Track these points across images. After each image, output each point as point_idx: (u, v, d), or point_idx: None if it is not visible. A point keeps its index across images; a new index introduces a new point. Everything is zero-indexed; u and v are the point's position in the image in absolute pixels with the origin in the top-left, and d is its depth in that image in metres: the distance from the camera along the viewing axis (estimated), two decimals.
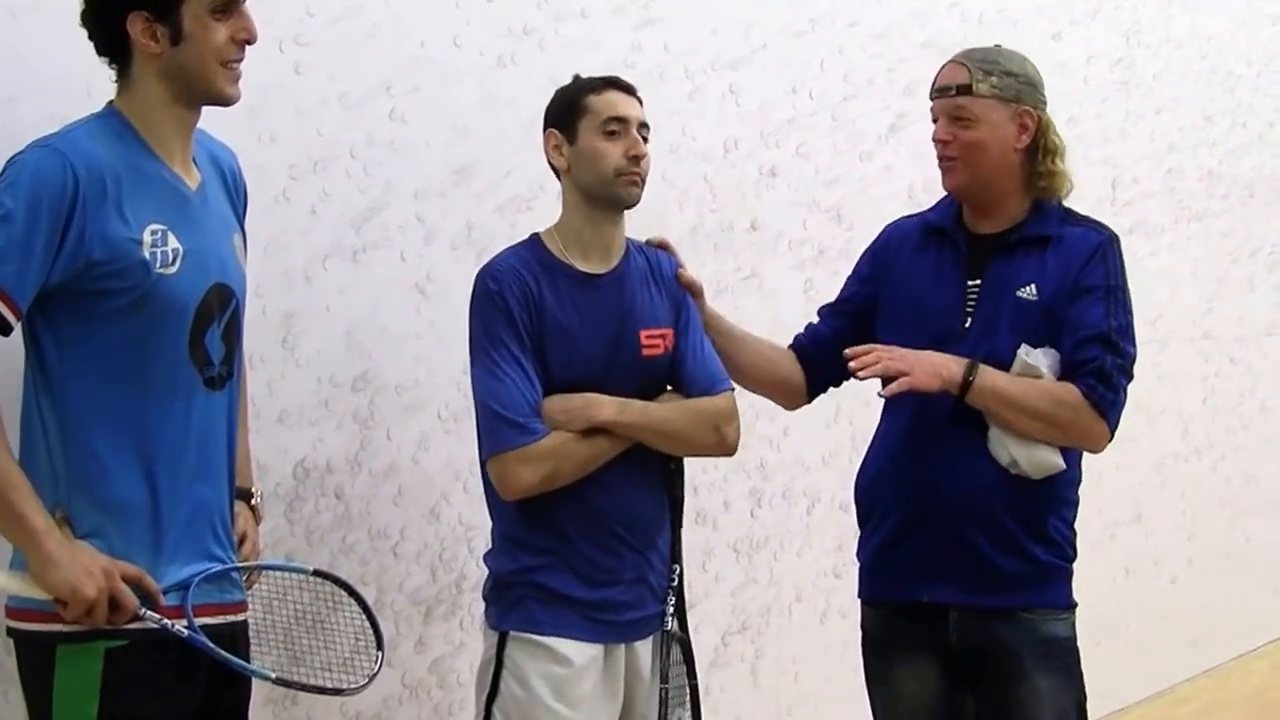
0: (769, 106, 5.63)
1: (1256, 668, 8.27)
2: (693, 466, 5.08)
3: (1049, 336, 4.10)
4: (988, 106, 4.18)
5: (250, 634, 3.57)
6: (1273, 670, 8.24)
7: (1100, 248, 4.16)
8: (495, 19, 4.70)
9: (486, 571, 4.10)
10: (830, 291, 5.80)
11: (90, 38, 3.37)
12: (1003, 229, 4.22)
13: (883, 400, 4.18)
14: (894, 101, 6.11)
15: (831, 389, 4.51)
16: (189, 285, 3.35)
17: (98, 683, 3.27)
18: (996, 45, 4.34)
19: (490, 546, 4.09)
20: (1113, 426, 4.09)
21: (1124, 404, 4.11)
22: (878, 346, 4.11)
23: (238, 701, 3.54)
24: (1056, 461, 4.10)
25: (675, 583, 4.11)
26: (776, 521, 5.73)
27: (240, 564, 3.53)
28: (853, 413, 5.96)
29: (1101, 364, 4.05)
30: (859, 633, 4.42)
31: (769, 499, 5.69)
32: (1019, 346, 4.09)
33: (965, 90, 4.19)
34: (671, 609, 4.09)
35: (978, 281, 4.18)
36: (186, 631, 3.32)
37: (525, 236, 4.11)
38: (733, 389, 4.13)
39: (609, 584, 3.99)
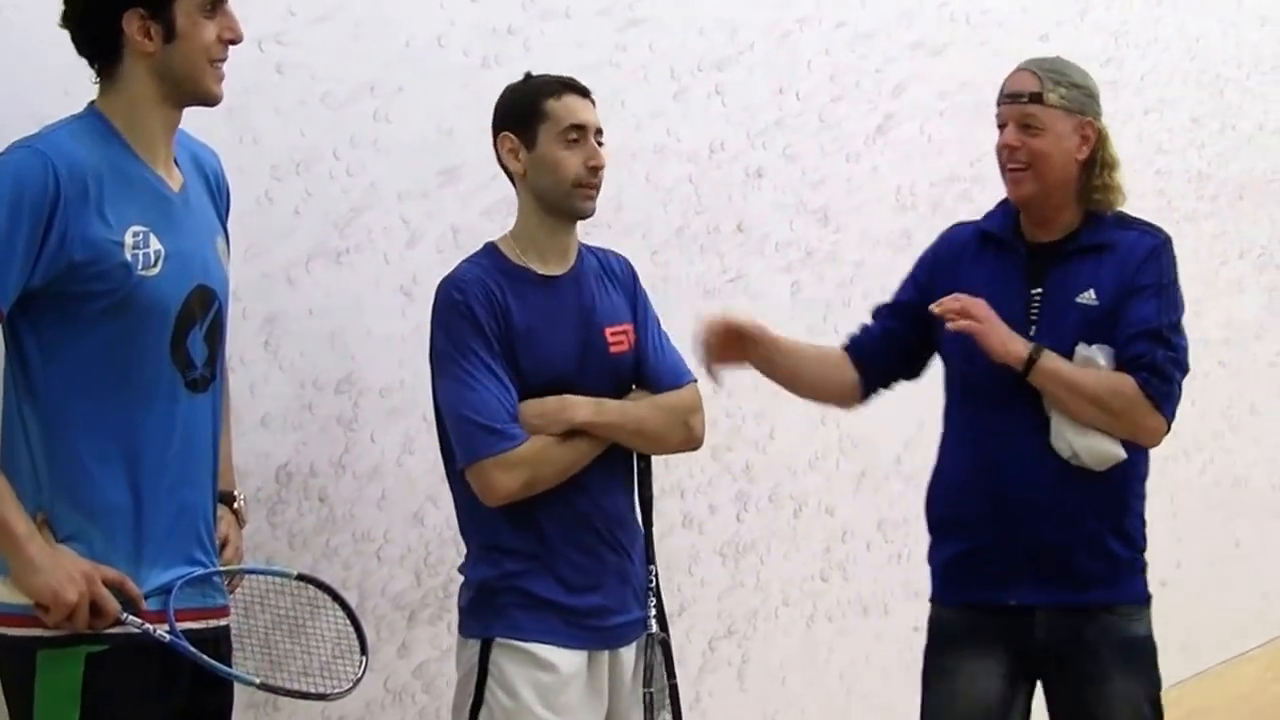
0: (755, 107, 5.61)
1: (1246, 671, 8.26)
2: (679, 470, 5.08)
3: (1110, 340, 4.18)
4: (1055, 116, 4.23)
5: (231, 638, 3.55)
6: (1262, 674, 8.24)
7: (1154, 250, 4.24)
8: (480, 19, 4.68)
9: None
10: (816, 294, 5.83)
11: (74, 37, 3.35)
12: (1058, 238, 4.28)
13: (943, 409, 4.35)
14: (881, 103, 6.09)
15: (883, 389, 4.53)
16: (171, 287, 3.33)
17: (79, 688, 3.26)
18: (1058, 56, 4.39)
19: (466, 558, 4.06)
20: (1168, 418, 4.18)
21: (1179, 398, 4.19)
22: (962, 297, 4.18)
23: (221, 707, 3.52)
24: (1116, 451, 4.16)
25: (653, 584, 4.10)
26: (763, 525, 5.71)
27: (223, 568, 3.51)
28: (839, 416, 5.95)
29: (1153, 358, 4.13)
30: (920, 632, 4.43)
31: (755, 502, 5.68)
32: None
33: (1037, 99, 4.24)
34: (654, 612, 4.08)
35: (1039, 289, 4.24)
36: (168, 636, 3.31)
37: None
38: (696, 380, 4.14)
39: (593, 588, 3.98)
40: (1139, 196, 7.20)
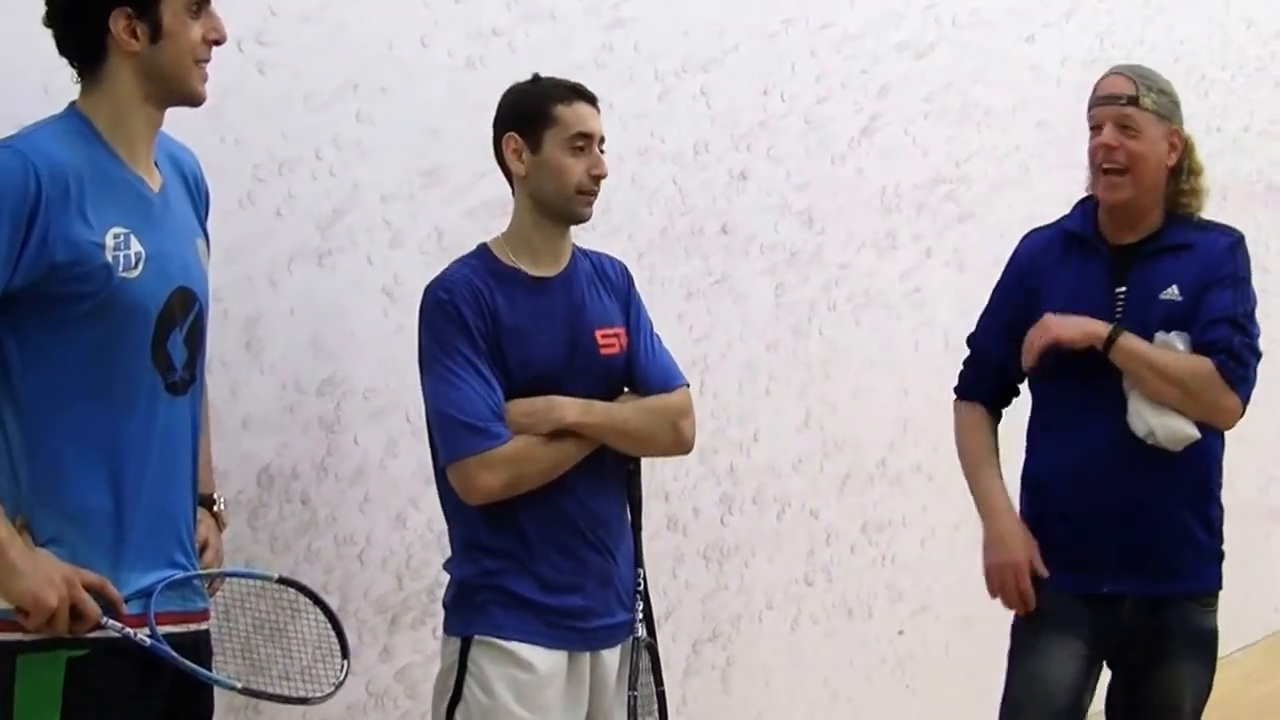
0: (740, 109, 5.60)
1: (1226, 676, 8.19)
2: (663, 473, 5.06)
3: (1191, 333, 4.34)
4: (1149, 120, 4.36)
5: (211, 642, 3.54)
6: (1243, 678, 8.23)
7: (1231, 246, 4.40)
8: (464, 19, 4.67)
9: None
10: (801, 295, 5.82)
11: (58, 37, 3.33)
12: (1140, 239, 4.40)
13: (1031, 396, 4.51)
14: (867, 104, 6.09)
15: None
16: (151, 289, 3.31)
17: (59, 692, 3.23)
18: (1141, 64, 4.53)
19: (451, 554, 4.05)
20: (1244, 400, 4.33)
21: (1254, 382, 4.35)
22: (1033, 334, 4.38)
23: (202, 711, 3.51)
24: (1191, 432, 4.28)
25: (641, 587, 4.09)
26: (747, 528, 5.70)
27: (203, 571, 3.50)
28: (823, 418, 5.96)
29: (1230, 342, 4.28)
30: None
31: (739, 505, 5.67)
32: None
33: (1133, 101, 4.36)
34: (640, 615, 4.07)
35: (1123, 288, 4.36)
36: (149, 640, 3.29)
37: None
38: (688, 385, 4.14)
39: (573, 589, 3.97)
40: None
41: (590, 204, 4.01)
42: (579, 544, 3.98)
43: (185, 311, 3.39)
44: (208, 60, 3.37)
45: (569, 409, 3.93)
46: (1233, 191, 8.39)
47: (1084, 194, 4.51)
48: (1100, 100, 4.39)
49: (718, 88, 5.49)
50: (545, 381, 3.95)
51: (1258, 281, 8.91)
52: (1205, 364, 4.24)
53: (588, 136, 3.97)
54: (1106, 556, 4.34)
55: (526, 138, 3.97)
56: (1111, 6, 7.44)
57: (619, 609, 4.05)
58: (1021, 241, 4.59)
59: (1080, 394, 4.34)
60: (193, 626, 3.44)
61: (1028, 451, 4.51)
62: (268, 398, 4.23)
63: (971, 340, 4.59)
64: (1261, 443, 8.77)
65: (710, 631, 5.56)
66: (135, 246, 3.28)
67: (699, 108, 5.44)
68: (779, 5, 5.74)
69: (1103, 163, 4.34)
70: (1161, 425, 4.27)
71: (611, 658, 4.04)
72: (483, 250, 4.03)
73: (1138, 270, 4.35)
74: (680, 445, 4.12)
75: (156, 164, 3.42)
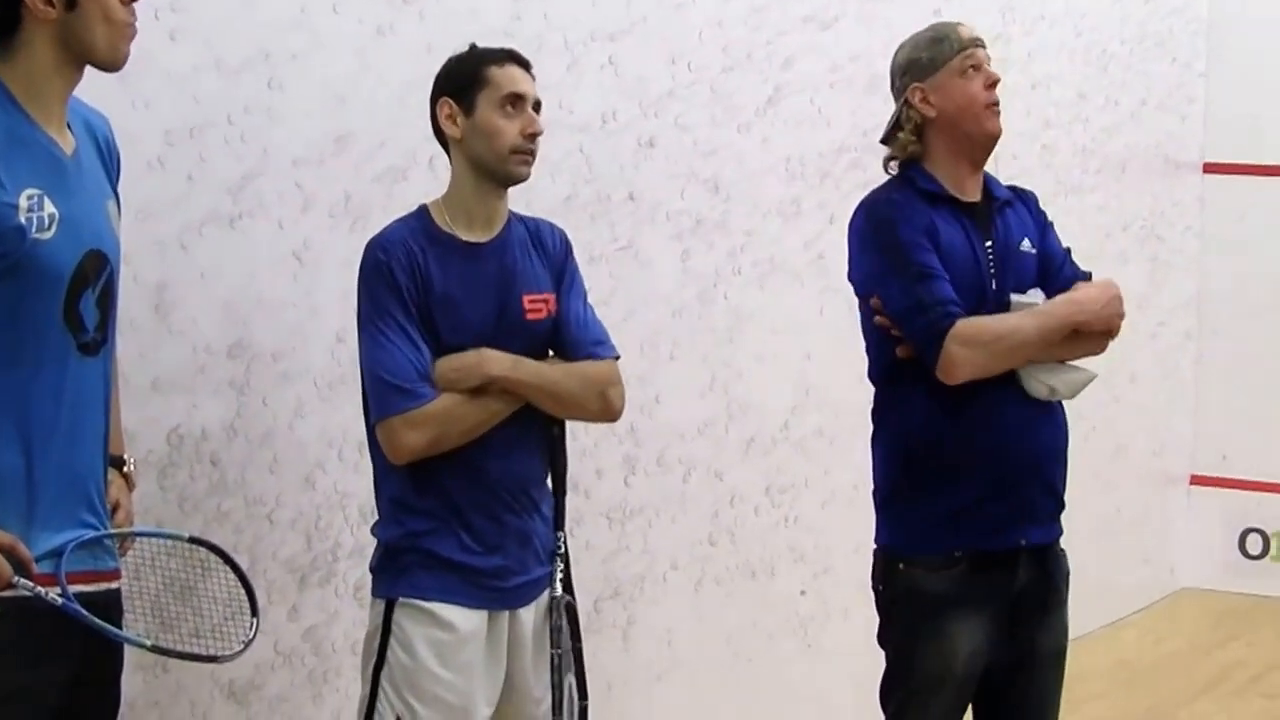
0: (648, 78, 5.66)
1: (1125, 636, 8.44)
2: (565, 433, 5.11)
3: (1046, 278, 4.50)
4: None
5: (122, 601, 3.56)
6: (1142, 638, 8.41)
7: (1034, 199, 4.62)
8: None
9: (361, 540, 4.12)
10: (706, 262, 5.89)
11: None
12: (980, 195, 4.49)
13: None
14: (772, 74, 6.16)
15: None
16: (65, 251, 3.31)
17: None
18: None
19: (378, 517, 4.11)
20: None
21: None
22: None
23: (113, 671, 3.52)
24: (1090, 374, 4.45)
25: (562, 549, 4.15)
26: (651, 489, 5.77)
27: (114, 530, 3.52)
28: (727, 383, 6.03)
29: (1076, 275, 4.51)
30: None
31: (643, 467, 5.73)
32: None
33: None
34: (560, 574, 4.13)
35: (990, 242, 4.44)
36: (60, 599, 3.29)
37: (400, 206, 4.14)
38: (618, 356, 4.18)
39: (494, 550, 4.02)
40: (1026, 171, 7.35)
41: (527, 164, 4.04)
42: (500, 507, 4.03)
43: (97, 274, 3.39)
44: (131, 21, 3.36)
45: (497, 363, 3.98)
46: (1131, 164, 8.55)
47: (991, 163, 4.57)
48: (974, 42, 4.45)
49: (626, 57, 5.55)
50: (474, 345, 4.00)
51: (1152, 251, 9.12)
52: (1071, 294, 4.40)
53: (520, 97, 4.02)
54: (1022, 507, 4.40)
55: (460, 101, 4.02)
56: None
57: (535, 566, 4.10)
58: (880, 197, 4.48)
59: None
60: (103, 586, 3.45)
61: (918, 411, 4.42)
62: (178, 360, 4.26)
63: (928, 298, 4.33)
64: (1155, 410, 8.97)
65: (612, 590, 5.63)
66: (49, 208, 3.28)
67: (607, 77, 5.50)
68: None
69: (993, 102, 4.41)
70: (1061, 381, 4.39)
71: (528, 616, 4.10)
72: (422, 211, 4.08)
73: (996, 226, 4.44)
74: (608, 413, 4.17)
75: (69, 127, 3.42)
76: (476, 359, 3.98)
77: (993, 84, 4.43)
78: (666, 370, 5.78)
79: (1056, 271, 4.49)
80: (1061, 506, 4.54)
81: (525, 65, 4.09)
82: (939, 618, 4.41)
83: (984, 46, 4.48)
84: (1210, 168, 9.20)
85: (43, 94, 3.33)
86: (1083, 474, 8.16)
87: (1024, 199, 4.58)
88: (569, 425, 4.21)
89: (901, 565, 4.47)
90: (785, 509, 6.33)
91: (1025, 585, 4.45)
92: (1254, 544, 9.18)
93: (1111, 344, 4.53)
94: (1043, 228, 4.54)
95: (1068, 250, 4.56)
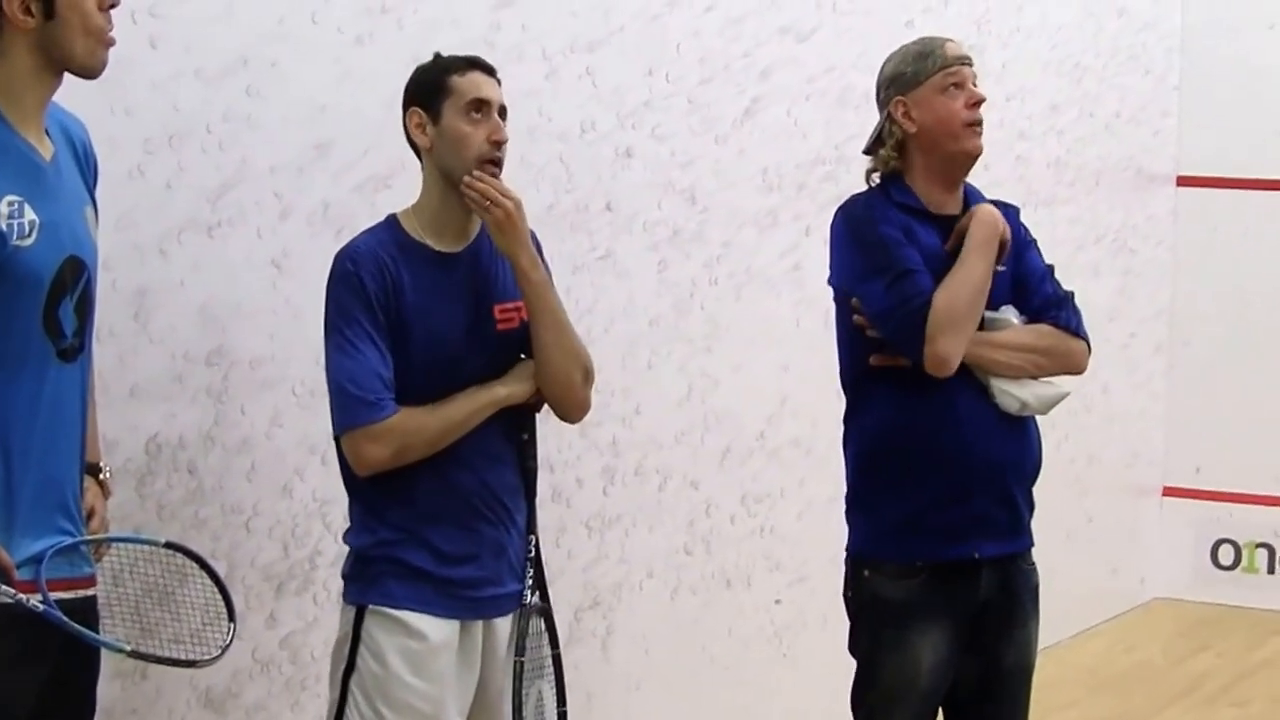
0: (626, 88, 5.67)
1: (1094, 645, 8.46)
2: (547, 445, 5.13)
3: (1021, 297, 4.51)
4: None
5: (100, 607, 3.56)
6: (1111, 647, 8.44)
7: (1016, 213, 4.62)
8: None
9: (341, 548, 4.13)
10: (683, 272, 5.90)
11: None
12: (959, 210, 4.50)
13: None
14: (749, 86, 6.18)
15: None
16: (44, 257, 3.32)
17: None
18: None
19: (350, 525, 4.11)
20: (1087, 339, 4.52)
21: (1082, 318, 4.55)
22: None
23: (91, 676, 3.53)
24: (1063, 390, 4.47)
25: (532, 555, 4.15)
26: (628, 499, 5.78)
27: (91, 537, 3.52)
28: (704, 393, 6.05)
29: (1056, 293, 4.49)
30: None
31: (622, 477, 5.75)
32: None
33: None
34: (530, 582, 4.13)
35: None
36: (42, 606, 3.29)
37: (382, 215, 4.15)
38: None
39: (467, 560, 4.02)
40: (999, 182, 7.37)
41: (493, 173, 4.03)
42: (472, 516, 4.03)
43: (76, 280, 3.40)
44: (109, 28, 3.37)
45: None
46: (1104, 177, 8.59)
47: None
48: (959, 60, 4.45)
49: (604, 67, 5.56)
50: (445, 356, 4.00)
51: (1125, 263, 9.16)
52: (1042, 326, 4.43)
53: (484, 103, 4.02)
54: (978, 519, 4.41)
55: (428, 110, 4.03)
56: None
57: (511, 579, 4.10)
58: (860, 201, 4.51)
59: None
60: (81, 592, 3.46)
61: (878, 417, 4.47)
62: (156, 367, 4.26)
63: (910, 291, 4.33)
64: (1127, 421, 9.00)
65: (591, 600, 5.64)
66: (29, 215, 3.29)
67: (585, 87, 5.51)
68: None
69: (977, 121, 4.43)
70: (1032, 395, 4.41)
71: (504, 626, 4.10)
72: (391, 221, 4.08)
73: None
74: (581, 400, 4.17)
75: (47, 132, 3.42)
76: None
77: (976, 103, 4.43)
78: (644, 380, 5.80)
79: (1035, 290, 4.49)
80: (1022, 521, 4.52)
81: (489, 71, 4.08)
82: (902, 627, 4.43)
83: (970, 64, 4.48)
84: (1183, 180, 9.24)
85: (21, 100, 3.33)
86: (1055, 484, 8.21)
87: (1005, 213, 4.54)
88: (552, 437, 4.22)
89: (866, 572, 4.50)
90: (761, 518, 6.34)
91: (989, 598, 4.46)
92: (1226, 554, 9.21)
93: None
94: (1021, 245, 4.53)
95: (1050, 268, 4.56)
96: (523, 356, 4.12)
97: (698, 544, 6.11)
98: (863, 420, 4.52)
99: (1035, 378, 4.44)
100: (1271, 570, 9.12)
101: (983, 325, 4.39)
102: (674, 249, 5.88)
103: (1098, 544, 8.80)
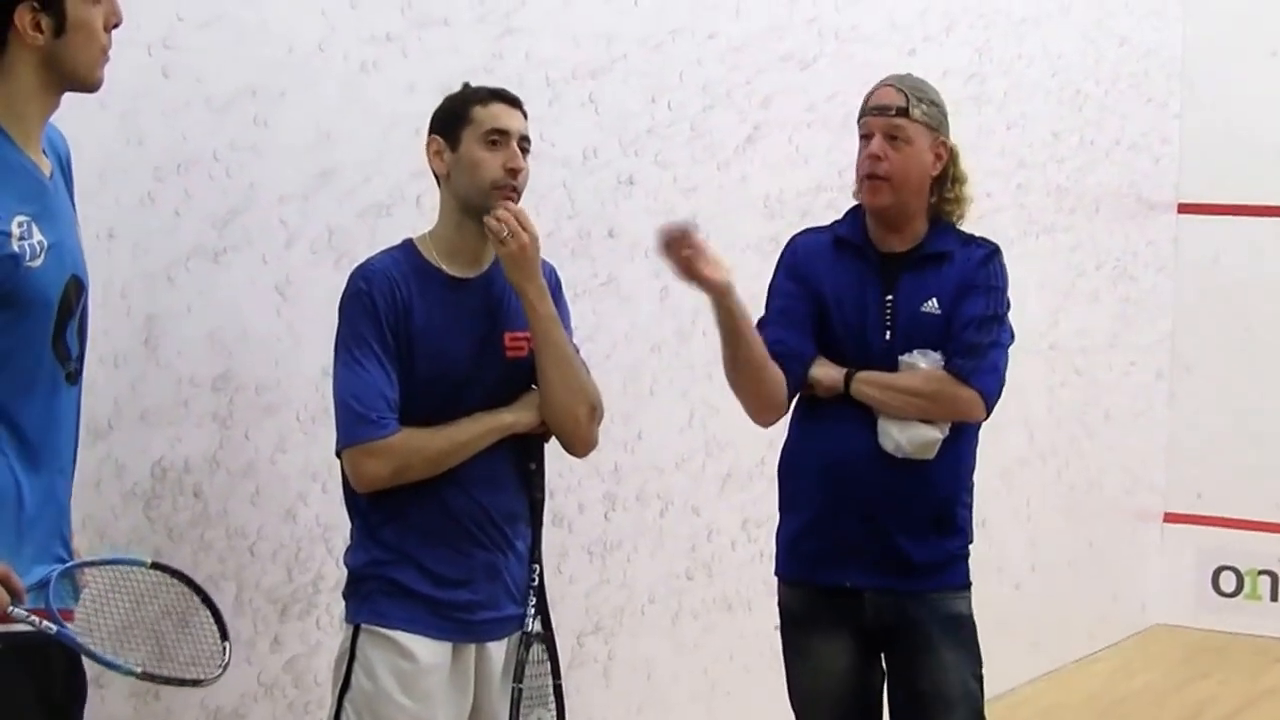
0: (628, 115, 5.71)
1: (1096, 671, 8.47)
2: (549, 470, 5.15)
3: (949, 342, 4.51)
4: (918, 131, 4.49)
5: (111, 632, 3.53)
6: (1113, 673, 8.44)
7: (985, 257, 4.56)
8: (359, 25, 4.74)
9: (343, 573, 4.16)
10: (685, 299, 5.92)
11: None
12: (908, 247, 4.53)
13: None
14: (751, 113, 6.22)
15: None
16: (52, 278, 3.30)
17: None
18: (911, 74, 4.65)
19: (349, 545, 4.15)
20: (983, 390, 4.47)
21: (1000, 372, 4.51)
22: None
23: (81, 706, 3.48)
24: (935, 435, 4.47)
25: (535, 583, 4.17)
26: (630, 524, 5.81)
27: (86, 560, 3.49)
28: (705, 418, 6.07)
29: (970, 340, 4.44)
30: (775, 613, 4.73)
31: (623, 502, 5.78)
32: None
33: (903, 113, 4.48)
34: (533, 609, 4.15)
35: (891, 296, 4.49)
36: (55, 628, 3.26)
37: (384, 242, 4.19)
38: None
39: (460, 584, 4.05)
40: (1000, 209, 7.44)
41: (509, 199, 4.04)
42: (465, 539, 4.05)
43: (78, 300, 3.37)
44: (109, 45, 3.36)
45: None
46: (1104, 204, 8.62)
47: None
48: (872, 110, 4.51)
49: (606, 95, 5.60)
50: (450, 379, 4.04)
51: (1125, 290, 9.18)
52: (936, 370, 4.44)
53: (503, 132, 4.06)
54: (845, 548, 4.49)
55: (446, 138, 4.08)
56: (989, 22, 7.61)
57: (508, 603, 4.12)
58: (794, 240, 4.73)
59: (838, 403, 4.50)
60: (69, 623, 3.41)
61: (789, 438, 4.68)
62: (163, 392, 4.29)
63: (774, 346, 4.54)
64: (1127, 449, 9.02)
65: (593, 625, 5.66)
66: (37, 235, 3.25)
67: (588, 114, 5.55)
68: (666, 16, 5.85)
69: (869, 172, 4.47)
70: (907, 438, 4.46)
71: (498, 651, 4.12)
72: (408, 245, 4.12)
73: (905, 280, 4.49)
74: (586, 436, 4.20)
75: (43, 150, 3.39)
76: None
77: (873, 156, 4.46)
78: (646, 406, 5.82)
79: (955, 335, 4.46)
80: (909, 560, 4.49)
81: (513, 103, 4.12)
82: (803, 636, 4.61)
83: (885, 115, 4.47)
84: (1184, 208, 9.28)
85: (24, 117, 3.31)
86: (1055, 510, 8.33)
87: (968, 255, 4.54)
88: (554, 461, 4.25)
89: (778, 584, 4.69)
90: (762, 543, 6.34)
91: (891, 624, 4.52)
92: (1227, 581, 9.23)
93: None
94: (964, 288, 4.49)
95: (990, 317, 4.49)
96: (534, 386, 4.15)
97: (699, 569, 6.13)
98: (785, 440, 4.70)
99: (929, 421, 4.47)
100: (1274, 597, 9.14)
101: (897, 365, 4.47)
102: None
103: (1099, 570, 8.82)
